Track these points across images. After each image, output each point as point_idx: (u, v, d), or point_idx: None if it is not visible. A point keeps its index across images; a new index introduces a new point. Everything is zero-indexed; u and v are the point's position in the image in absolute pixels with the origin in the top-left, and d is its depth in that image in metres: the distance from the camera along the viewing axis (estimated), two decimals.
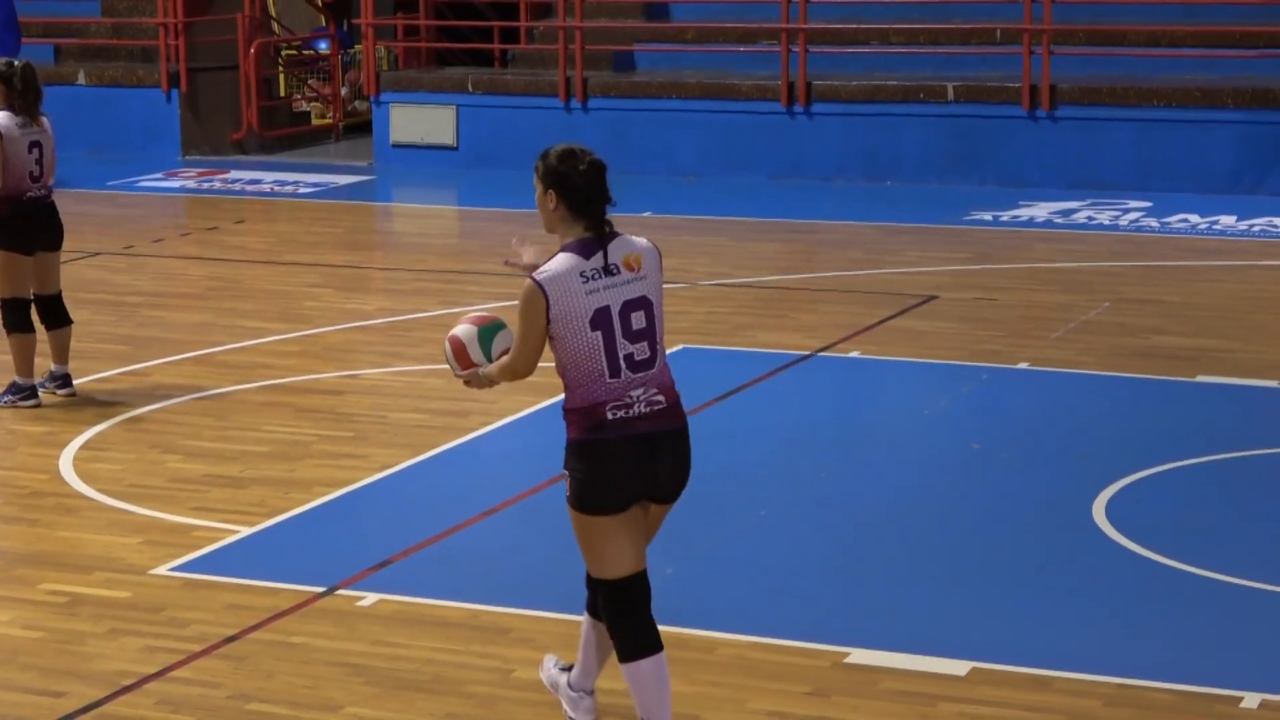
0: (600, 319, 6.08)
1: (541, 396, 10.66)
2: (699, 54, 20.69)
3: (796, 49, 19.35)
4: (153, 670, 7.24)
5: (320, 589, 8.04)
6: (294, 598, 7.96)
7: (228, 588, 8.13)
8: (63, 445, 10.31)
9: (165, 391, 11.46)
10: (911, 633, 7.51)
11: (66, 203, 18.48)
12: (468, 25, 21.86)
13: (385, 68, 21.71)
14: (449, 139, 19.95)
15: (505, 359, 6.30)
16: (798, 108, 19.32)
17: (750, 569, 8.38)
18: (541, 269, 6.13)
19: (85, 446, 10.31)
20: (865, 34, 19.88)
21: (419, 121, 20.23)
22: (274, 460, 10.03)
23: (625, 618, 6.23)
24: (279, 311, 13.72)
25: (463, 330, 6.48)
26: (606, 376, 6.09)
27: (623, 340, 6.11)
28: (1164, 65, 19.01)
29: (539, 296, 6.05)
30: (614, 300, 6.10)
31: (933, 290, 13.95)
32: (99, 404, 11.18)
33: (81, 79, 22.31)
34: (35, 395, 11.12)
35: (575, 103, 19.89)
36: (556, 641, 7.29)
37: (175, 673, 7.23)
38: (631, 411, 6.12)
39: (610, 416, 6.10)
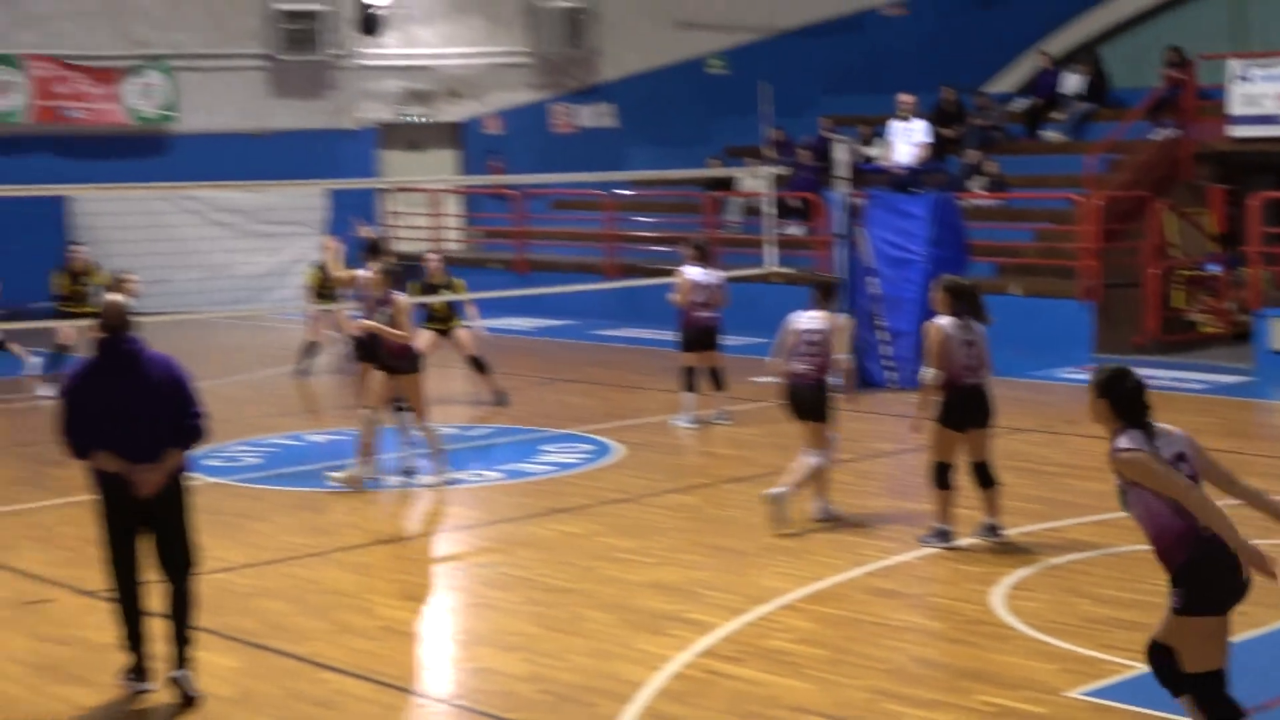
0: None
1: None
2: None
3: None
4: None
5: None
6: None
7: (1129, 714, 7.94)
8: (994, 583, 10.37)
9: (1077, 546, 11.36)
10: None
11: (999, 388, 18.80)
12: None
13: (1266, 287, 20.92)
14: None
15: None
16: None
17: None
18: (1123, 448, 6.59)
19: (1013, 586, 10.33)
20: None
21: None
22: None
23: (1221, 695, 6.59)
24: None
25: None
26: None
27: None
28: None
29: (1148, 457, 6.58)
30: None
31: None
32: (1023, 552, 11.19)
33: (1015, 290, 22.62)
34: (949, 539, 11.27)
35: None
36: None
37: None
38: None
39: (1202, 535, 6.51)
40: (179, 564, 8.49)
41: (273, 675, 8.77)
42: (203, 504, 13.06)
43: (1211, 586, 6.48)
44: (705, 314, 16.55)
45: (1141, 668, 8.44)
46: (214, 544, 11.89)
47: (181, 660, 8.49)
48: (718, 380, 16.70)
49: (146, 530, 8.44)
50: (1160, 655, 6.68)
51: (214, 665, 8.94)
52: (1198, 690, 6.55)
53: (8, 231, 23.51)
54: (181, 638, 8.50)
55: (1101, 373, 6.81)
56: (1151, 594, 9.98)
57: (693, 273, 16.49)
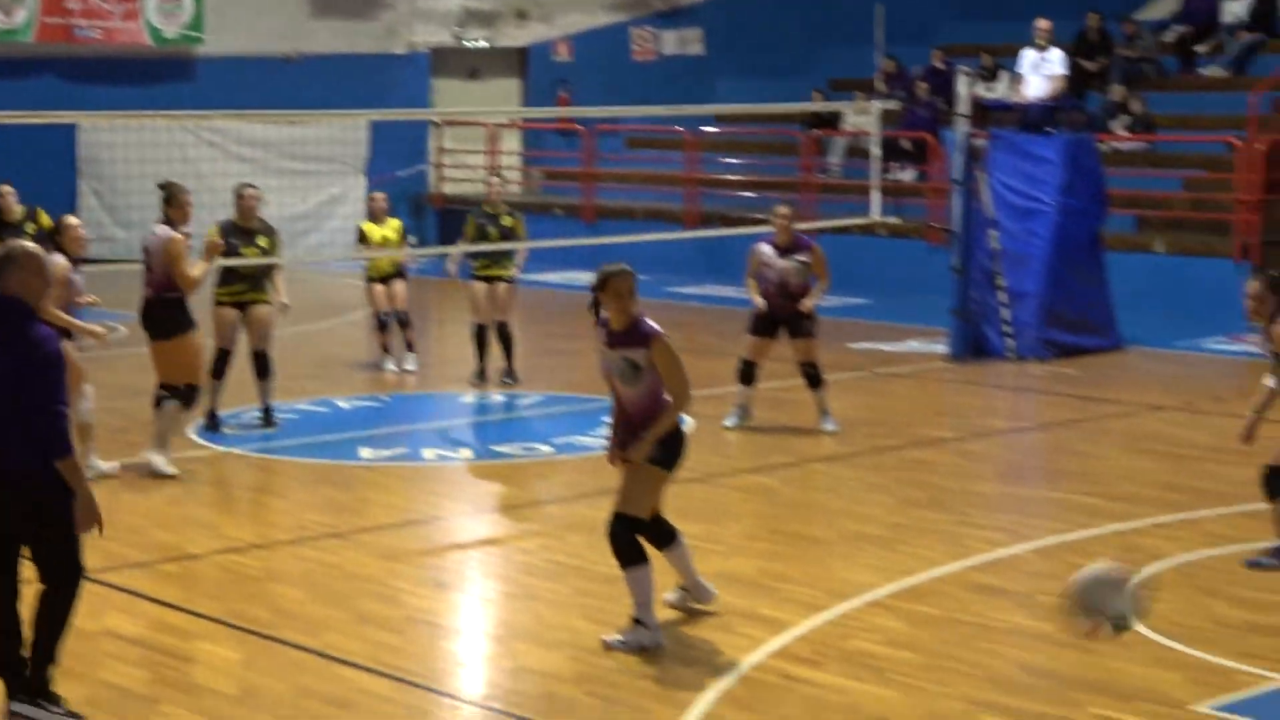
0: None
1: None
2: None
3: None
4: None
5: None
6: None
7: None
8: None
9: (1215, 540, 11.24)
10: None
11: (1136, 358, 18.63)
12: None
13: None
14: None
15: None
16: None
17: None
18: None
19: (1138, 584, 10.19)
20: None
21: None
22: None
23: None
24: None
25: None
26: None
27: None
28: None
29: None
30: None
31: None
32: (1153, 546, 11.08)
33: (1159, 247, 22.40)
34: None
35: None
36: None
37: None
38: None
39: None
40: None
41: (281, 670, 8.80)
42: (210, 476, 13.33)
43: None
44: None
45: None
46: (221, 521, 12.10)
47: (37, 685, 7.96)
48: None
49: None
50: None
51: (216, 657, 9.01)
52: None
53: (9, 164, 23.72)
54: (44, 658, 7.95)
55: None
56: None
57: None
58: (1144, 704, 8.19)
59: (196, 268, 13.00)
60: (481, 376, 17.29)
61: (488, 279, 17.28)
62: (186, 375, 13.01)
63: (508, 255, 17.35)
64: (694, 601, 9.67)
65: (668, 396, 9.15)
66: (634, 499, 9.10)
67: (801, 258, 14.68)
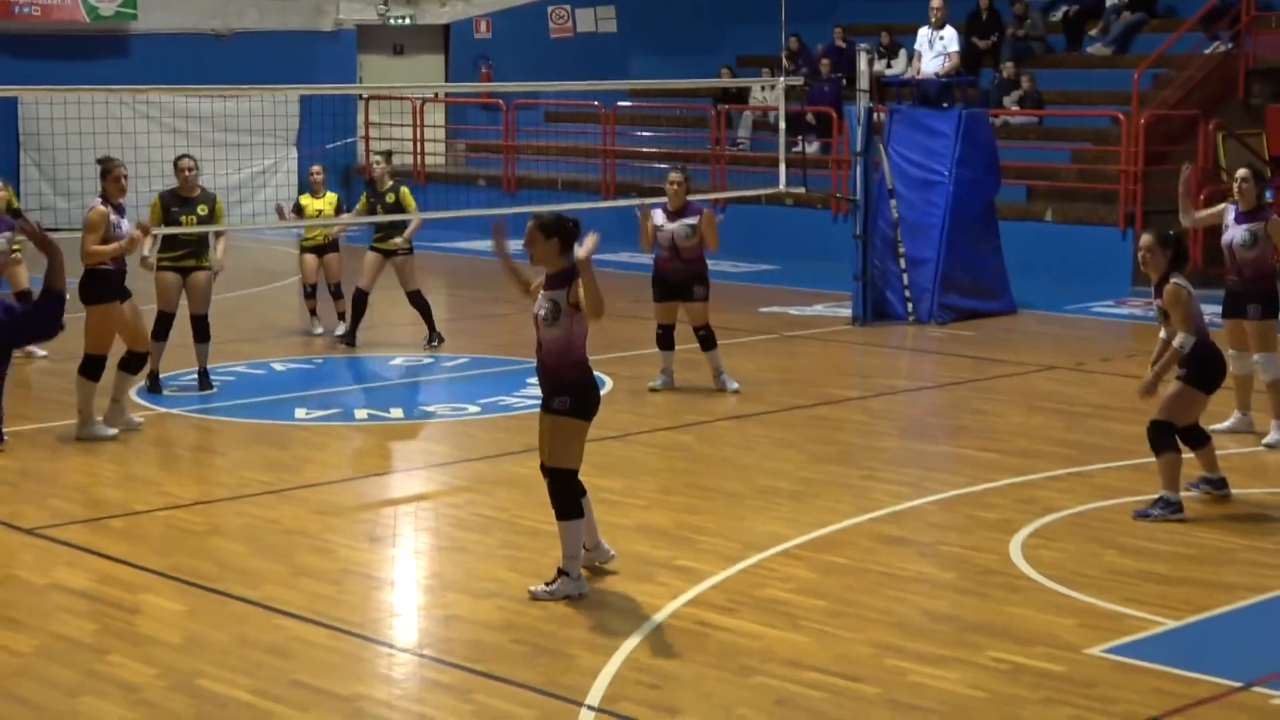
0: None
1: None
2: None
3: None
4: None
5: (1238, 684, 7.70)
6: (1212, 689, 7.64)
7: (1153, 673, 7.90)
8: (1012, 531, 10.35)
9: (1107, 493, 11.34)
10: None
11: (1029, 322, 18.79)
12: None
13: None
14: None
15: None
16: None
17: None
18: None
19: (1033, 534, 10.31)
20: None
21: None
22: (1201, 563, 9.73)
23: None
24: None
25: None
26: None
27: None
28: None
29: None
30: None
31: None
32: (1047, 499, 11.18)
33: (1048, 216, 22.55)
34: (1182, 509, 10.62)
35: None
36: None
37: None
38: None
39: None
40: None
41: (224, 620, 8.76)
42: (153, 436, 13.22)
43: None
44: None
45: (1170, 624, 8.49)
46: (165, 479, 11.99)
47: None
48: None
49: None
50: None
51: (161, 609, 8.95)
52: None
53: None
54: None
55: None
56: (1183, 545, 10.01)
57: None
58: (1040, 647, 8.25)
59: (107, 247, 12.83)
60: (350, 340, 17.30)
61: (383, 252, 17.32)
62: (92, 343, 12.89)
63: (397, 229, 17.31)
64: (596, 561, 9.54)
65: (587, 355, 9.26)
66: (563, 453, 9.08)
67: (690, 221, 14.69)
